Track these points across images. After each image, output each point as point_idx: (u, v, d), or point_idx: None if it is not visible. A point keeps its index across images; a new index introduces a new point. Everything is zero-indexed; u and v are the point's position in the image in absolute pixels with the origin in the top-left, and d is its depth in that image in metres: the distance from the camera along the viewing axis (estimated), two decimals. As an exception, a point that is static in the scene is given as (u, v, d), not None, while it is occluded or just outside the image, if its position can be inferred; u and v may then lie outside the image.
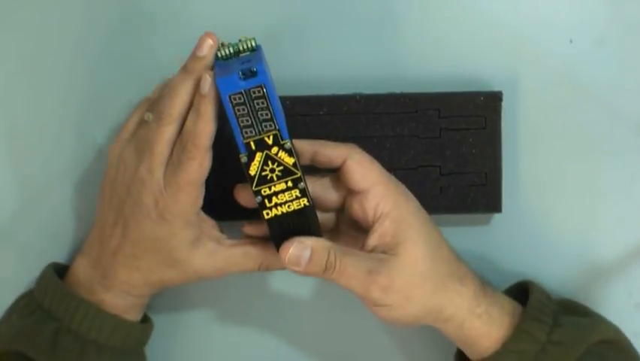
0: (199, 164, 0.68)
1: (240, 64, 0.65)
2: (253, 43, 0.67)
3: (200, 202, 0.70)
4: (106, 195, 0.72)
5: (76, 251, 0.78)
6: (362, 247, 0.71)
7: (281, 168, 0.67)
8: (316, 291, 0.82)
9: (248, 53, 0.67)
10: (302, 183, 0.68)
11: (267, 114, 0.65)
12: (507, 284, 0.80)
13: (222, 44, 0.68)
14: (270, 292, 0.82)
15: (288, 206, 0.68)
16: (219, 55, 0.67)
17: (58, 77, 0.79)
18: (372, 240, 0.70)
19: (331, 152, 0.71)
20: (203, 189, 0.69)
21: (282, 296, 0.82)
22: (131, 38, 0.79)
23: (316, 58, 0.78)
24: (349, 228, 0.74)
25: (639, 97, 0.81)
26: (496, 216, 0.80)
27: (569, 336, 0.72)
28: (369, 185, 0.70)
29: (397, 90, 0.77)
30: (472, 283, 0.73)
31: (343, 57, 0.79)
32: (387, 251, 0.70)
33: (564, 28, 0.80)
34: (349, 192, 0.72)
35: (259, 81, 0.64)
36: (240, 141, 0.66)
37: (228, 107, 0.64)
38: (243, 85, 0.64)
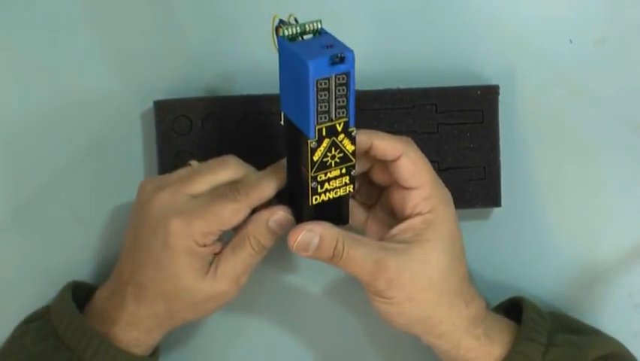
0: (237, 210, 0.68)
1: (322, 47, 0.63)
2: (319, 26, 0.65)
3: (210, 240, 0.69)
4: (131, 229, 0.72)
5: (72, 250, 0.79)
6: (385, 233, 0.71)
7: (341, 155, 0.66)
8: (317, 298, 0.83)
9: (311, 35, 0.65)
10: (354, 171, 0.67)
11: (343, 101, 0.64)
12: (508, 279, 0.81)
13: (286, 22, 0.65)
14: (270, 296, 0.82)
15: (335, 192, 0.68)
16: (285, 33, 0.64)
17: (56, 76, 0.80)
18: (396, 230, 0.70)
19: (387, 145, 0.69)
20: (215, 236, 0.69)
21: (283, 298, 0.83)
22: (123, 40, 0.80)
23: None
24: (383, 215, 0.74)
25: (639, 97, 0.81)
26: (496, 210, 0.80)
27: (565, 356, 0.72)
28: (416, 185, 0.70)
29: (394, 86, 0.78)
30: (476, 306, 0.72)
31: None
32: (403, 245, 0.69)
33: (564, 28, 0.81)
34: (394, 182, 0.72)
35: (346, 69, 0.62)
36: (312, 126, 0.64)
37: (312, 91, 0.62)
38: (330, 71, 0.62)
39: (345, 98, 0.64)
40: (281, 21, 0.64)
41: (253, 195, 0.69)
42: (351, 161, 0.67)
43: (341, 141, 0.66)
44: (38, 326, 0.73)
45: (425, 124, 0.77)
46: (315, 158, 0.66)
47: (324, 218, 0.68)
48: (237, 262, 0.70)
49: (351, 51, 0.63)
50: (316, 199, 0.67)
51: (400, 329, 0.72)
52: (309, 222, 0.68)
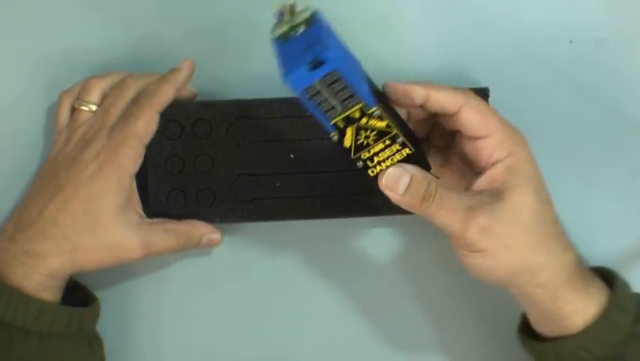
0: (147, 121, 0.73)
1: (303, 49, 0.61)
2: (307, 15, 0.62)
3: (137, 166, 0.73)
4: (41, 172, 0.75)
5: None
6: (467, 189, 0.70)
7: (375, 132, 0.66)
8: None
9: (304, 26, 0.62)
10: (400, 138, 0.66)
11: (346, 93, 0.62)
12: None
13: (282, 17, 0.63)
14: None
15: (391, 159, 0.67)
16: (276, 34, 0.62)
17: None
18: (480, 184, 0.69)
19: (444, 98, 0.68)
20: (143, 155, 0.73)
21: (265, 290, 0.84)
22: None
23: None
24: (459, 162, 0.73)
25: (639, 97, 0.81)
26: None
27: None
28: (485, 133, 0.68)
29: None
30: (572, 253, 0.70)
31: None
32: (493, 196, 0.67)
33: (564, 28, 0.81)
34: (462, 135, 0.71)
35: (330, 69, 0.60)
36: (326, 124, 0.64)
37: (304, 100, 0.62)
38: (315, 76, 0.60)
39: (346, 90, 0.62)
40: (280, 14, 0.63)
41: (156, 102, 0.73)
42: (391, 132, 0.66)
43: (366, 123, 0.65)
44: None
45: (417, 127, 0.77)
46: (347, 144, 0.66)
47: None
48: (160, 241, 0.74)
49: (334, 47, 0.61)
50: (373, 172, 0.68)
51: (496, 283, 0.70)
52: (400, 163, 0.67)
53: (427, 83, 0.68)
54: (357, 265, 0.82)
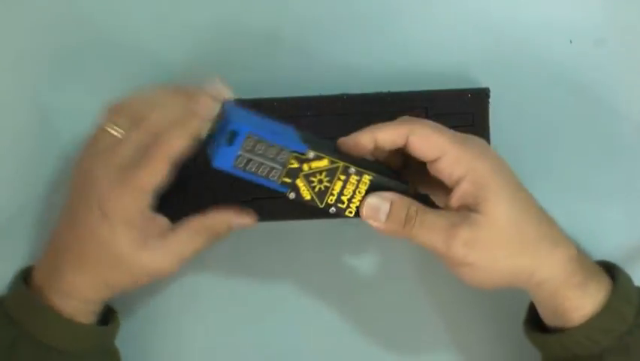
0: (152, 173, 0.67)
1: (220, 135, 0.65)
2: (219, 108, 0.67)
3: (146, 207, 0.68)
4: (70, 185, 0.71)
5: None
6: (445, 208, 0.70)
7: (324, 172, 0.68)
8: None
9: (220, 117, 0.67)
10: (351, 168, 0.68)
11: (274, 149, 0.66)
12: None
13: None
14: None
15: (359, 192, 0.69)
16: (204, 135, 0.67)
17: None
18: (454, 201, 0.69)
19: (388, 135, 0.69)
20: (151, 196, 0.68)
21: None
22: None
23: (302, 59, 0.80)
24: (432, 187, 0.73)
25: (639, 97, 0.81)
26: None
27: None
28: (436, 156, 0.68)
29: (384, 89, 0.78)
30: (565, 249, 0.70)
31: (329, 57, 0.81)
32: (472, 210, 0.68)
33: (564, 28, 0.81)
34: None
35: (244, 134, 0.64)
36: (276, 186, 0.67)
37: (240, 174, 0.65)
38: (235, 147, 0.65)
39: (272, 147, 0.66)
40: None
41: (165, 154, 0.67)
42: (339, 165, 0.68)
43: (310, 168, 0.67)
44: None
45: (416, 127, 0.78)
46: (308, 197, 0.68)
47: None
48: (189, 247, 0.71)
49: (242, 117, 0.65)
50: (351, 212, 0.70)
51: (497, 288, 0.71)
52: (378, 191, 0.69)
53: (372, 127, 0.69)
54: (358, 265, 0.83)
